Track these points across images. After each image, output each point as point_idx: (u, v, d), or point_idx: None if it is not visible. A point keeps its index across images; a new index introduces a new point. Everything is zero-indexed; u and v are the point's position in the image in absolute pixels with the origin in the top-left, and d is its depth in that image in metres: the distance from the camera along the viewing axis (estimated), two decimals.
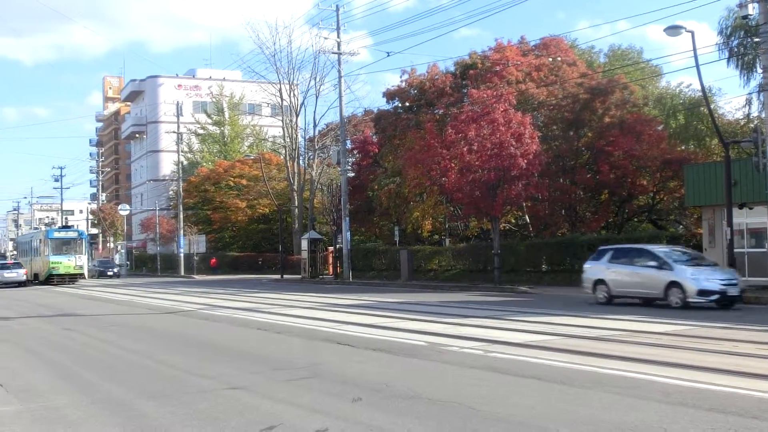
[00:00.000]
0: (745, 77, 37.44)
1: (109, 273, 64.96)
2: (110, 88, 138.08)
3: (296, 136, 62.46)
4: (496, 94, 34.84)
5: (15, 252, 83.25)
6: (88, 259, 59.74)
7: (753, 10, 24.19)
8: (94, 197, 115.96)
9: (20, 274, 50.23)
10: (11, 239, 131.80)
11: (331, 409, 8.64)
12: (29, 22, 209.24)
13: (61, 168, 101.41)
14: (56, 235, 54.37)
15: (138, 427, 8.06)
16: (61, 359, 13.70)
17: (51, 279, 50.86)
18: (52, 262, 51.15)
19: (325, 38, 45.19)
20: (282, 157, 66.95)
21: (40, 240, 55.29)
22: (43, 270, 52.13)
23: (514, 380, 10.14)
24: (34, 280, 52.92)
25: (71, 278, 52.07)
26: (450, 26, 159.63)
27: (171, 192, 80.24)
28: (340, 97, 45.03)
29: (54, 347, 15.60)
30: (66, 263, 51.37)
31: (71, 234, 55.51)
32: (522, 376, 10.34)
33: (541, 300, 25.49)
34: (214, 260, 66.70)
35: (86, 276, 55.63)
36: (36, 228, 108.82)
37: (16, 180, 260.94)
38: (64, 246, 52.33)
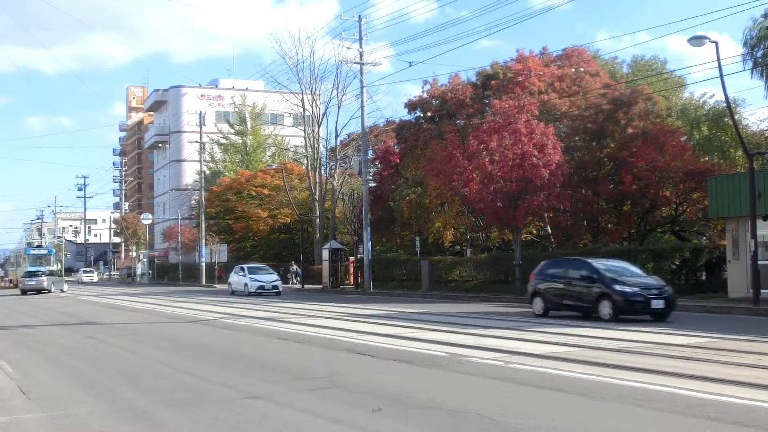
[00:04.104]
0: None
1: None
2: (134, 98, 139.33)
3: (318, 146, 62.56)
4: (519, 104, 34.75)
5: (4, 264, 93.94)
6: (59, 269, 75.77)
7: None
8: (117, 206, 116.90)
9: (40, 281, 51.21)
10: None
11: (351, 419, 8.64)
12: (52, 33, 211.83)
13: (84, 177, 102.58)
14: (32, 252, 71.55)
15: None
16: (83, 367, 13.80)
17: None
18: None
19: (348, 48, 45.29)
20: (304, 167, 67.03)
21: (20, 255, 72.85)
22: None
23: (535, 392, 10.09)
24: (15, 286, 62.87)
25: None
26: (471, 37, 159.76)
27: (193, 201, 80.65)
28: (362, 107, 45.06)
29: (76, 355, 15.72)
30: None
31: (42, 251, 72.77)
32: (542, 388, 10.29)
33: None
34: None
35: None
36: (60, 237, 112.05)
37: (41, 189, 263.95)
38: (38, 260, 66.92)
